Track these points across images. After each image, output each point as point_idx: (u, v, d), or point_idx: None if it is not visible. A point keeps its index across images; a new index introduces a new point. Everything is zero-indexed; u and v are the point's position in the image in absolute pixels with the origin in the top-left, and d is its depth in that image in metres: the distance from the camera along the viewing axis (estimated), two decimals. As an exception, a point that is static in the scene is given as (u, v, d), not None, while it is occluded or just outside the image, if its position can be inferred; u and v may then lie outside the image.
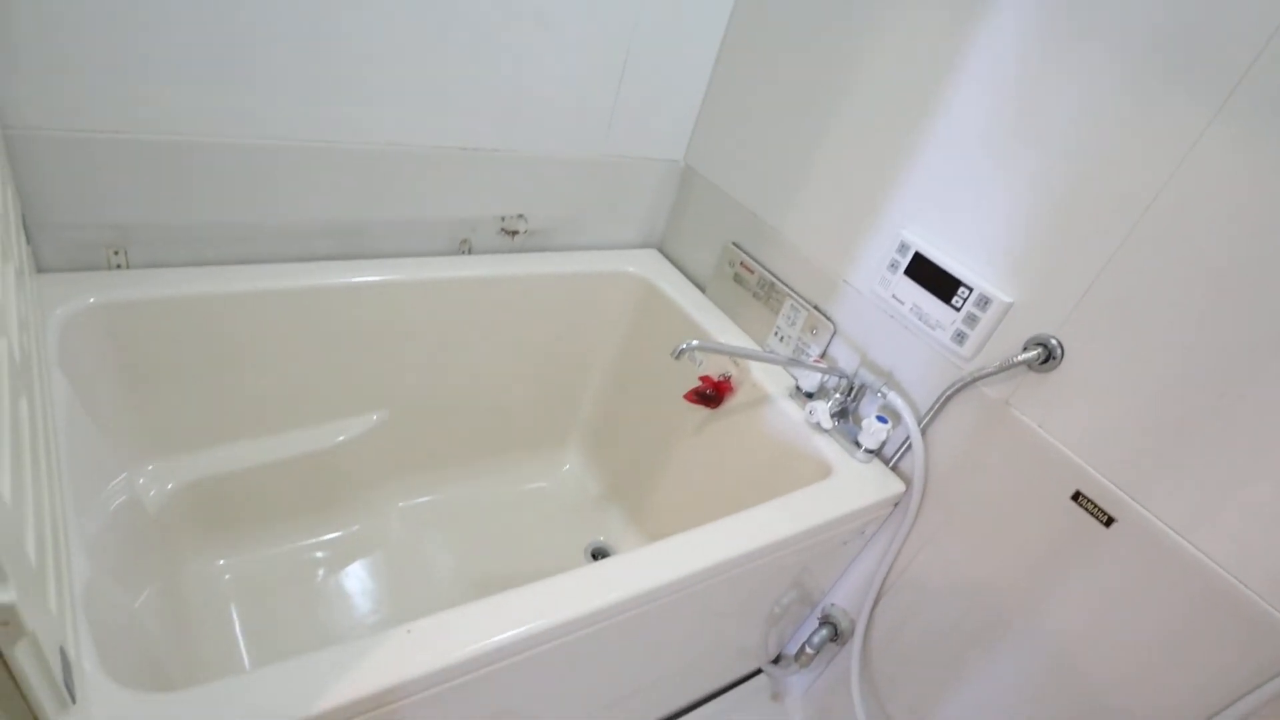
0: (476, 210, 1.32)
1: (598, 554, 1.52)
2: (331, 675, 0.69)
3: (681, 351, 1.08)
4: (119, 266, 1.07)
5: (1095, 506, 1.00)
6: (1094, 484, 0.99)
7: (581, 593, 0.84)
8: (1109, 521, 0.99)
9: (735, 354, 1.19)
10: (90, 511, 0.96)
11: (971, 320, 1.08)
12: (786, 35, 1.29)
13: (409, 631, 0.74)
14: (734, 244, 1.44)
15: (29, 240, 1.00)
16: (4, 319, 0.65)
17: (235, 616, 1.19)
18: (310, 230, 1.17)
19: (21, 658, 0.46)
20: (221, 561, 1.25)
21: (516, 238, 1.40)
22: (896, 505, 1.20)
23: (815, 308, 1.30)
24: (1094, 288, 0.97)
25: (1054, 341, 1.01)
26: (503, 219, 1.36)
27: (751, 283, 1.41)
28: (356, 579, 1.32)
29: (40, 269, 1.03)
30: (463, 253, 1.35)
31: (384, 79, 1.10)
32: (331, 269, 1.19)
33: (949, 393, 1.11)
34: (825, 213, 1.27)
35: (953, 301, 1.10)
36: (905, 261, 1.15)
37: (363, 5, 1.03)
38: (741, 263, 1.42)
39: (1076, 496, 1.02)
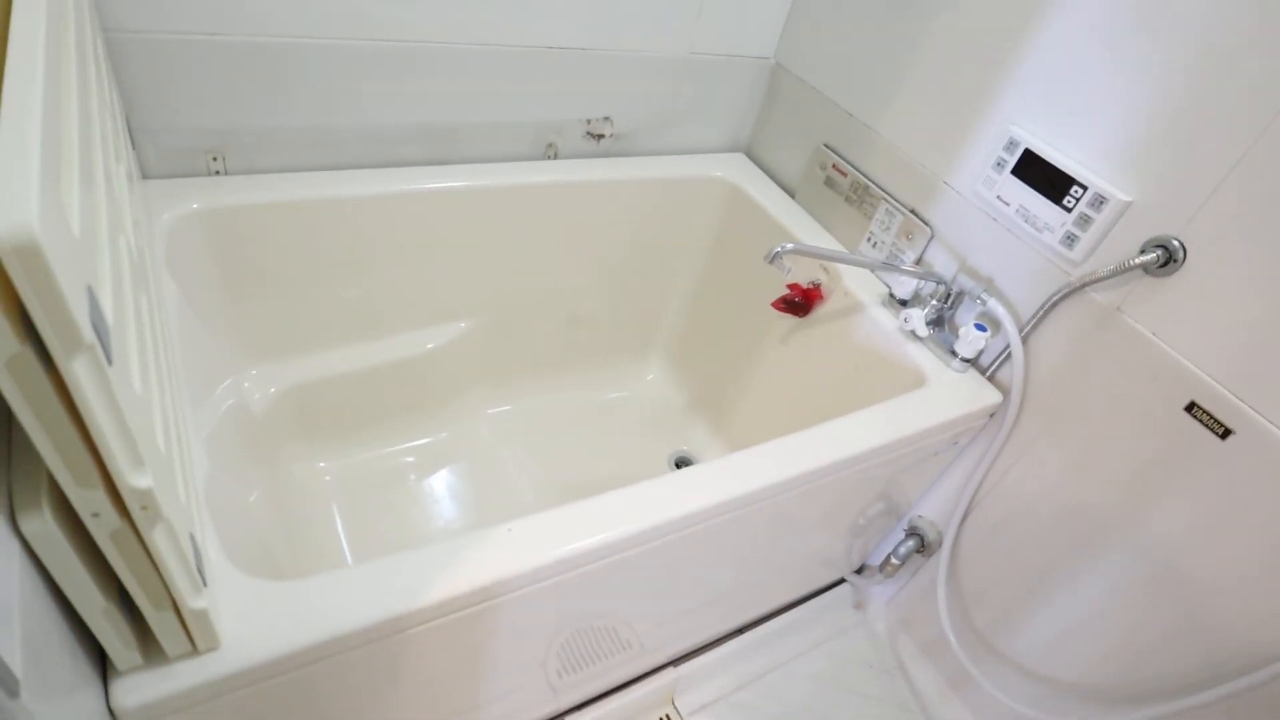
0: (562, 113, 1.30)
1: (681, 463, 1.54)
2: (439, 569, 0.72)
3: (775, 255, 1.06)
4: (218, 173, 1.10)
5: (1211, 418, 0.95)
6: (1211, 394, 0.94)
7: (673, 499, 0.85)
8: (1225, 434, 0.94)
9: (829, 258, 1.16)
10: (204, 411, 1.02)
11: (1084, 222, 1.02)
12: (890, -87, 1.19)
13: (510, 530, 0.77)
14: (825, 146, 1.38)
15: (133, 146, 1.03)
16: (122, 218, 0.68)
17: (336, 515, 1.27)
18: (400, 135, 1.18)
19: (160, 541, 0.49)
20: (322, 464, 1.32)
21: (602, 141, 1.38)
22: (992, 416, 1.17)
23: (912, 211, 1.24)
24: (1223, 186, 0.89)
25: (1175, 243, 0.94)
26: (588, 122, 1.34)
27: (844, 186, 1.35)
28: (446, 484, 1.38)
29: (144, 175, 1.07)
30: (548, 157, 1.34)
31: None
32: (421, 174, 1.20)
33: (1055, 299, 1.06)
34: (926, 110, 1.20)
35: (1064, 202, 1.03)
36: (1013, 160, 1.08)
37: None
38: (834, 165, 1.37)
39: (1191, 408, 0.97)
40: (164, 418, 0.58)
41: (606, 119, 1.35)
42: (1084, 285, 1.02)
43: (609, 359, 1.63)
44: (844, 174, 1.35)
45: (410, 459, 1.39)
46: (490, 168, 1.26)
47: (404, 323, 1.33)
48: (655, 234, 1.48)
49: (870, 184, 1.30)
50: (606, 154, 1.40)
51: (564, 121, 1.31)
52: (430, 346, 1.36)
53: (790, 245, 1.06)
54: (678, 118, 1.44)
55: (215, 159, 1.08)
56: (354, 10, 1.04)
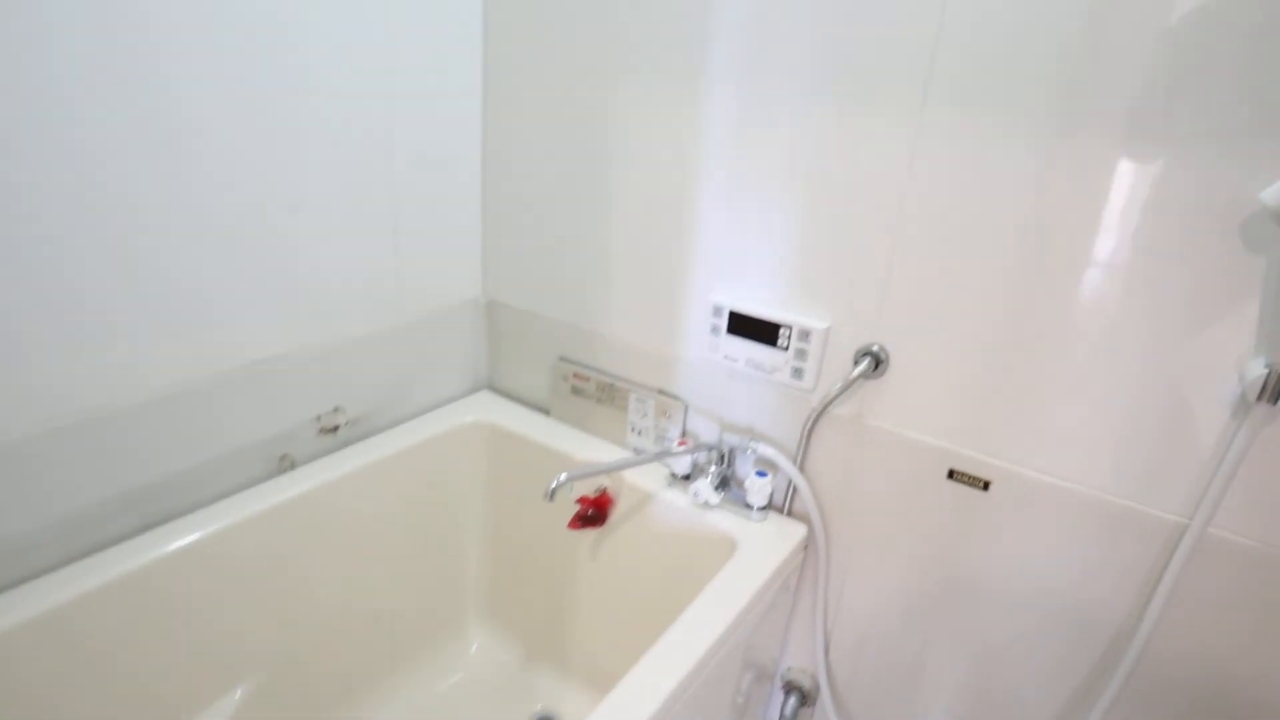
0: (287, 420, 1.22)
1: (542, 720, 1.41)
2: None
3: (555, 490, 1.04)
4: None
5: (969, 476, 1.06)
6: (961, 458, 1.05)
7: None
8: (986, 485, 1.05)
9: (603, 470, 1.17)
10: None
11: (801, 354, 1.13)
12: (542, 146, 1.32)
13: None
14: (561, 359, 1.43)
15: None
16: None
17: None
18: (104, 512, 1.03)
19: None
20: None
21: (339, 432, 1.31)
22: (807, 548, 1.21)
23: (660, 392, 1.31)
24: (889, 290, 1.04)
25: (876, 348, 1.07)
26: (318, 418, 1.27)
27: (591, 390, 1.39)
28: None
29: None
30: (285, 470, 1.24)
31: (142, 313, 1.01)
32: (139, 546, 1.04)
33: (808, 426, 1.14)
34: (635, 302, 1.29)
35: (779, 344, 1.14)
36: (724, 322, 1.18)
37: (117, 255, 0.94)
38: (574, 374, 1.41)
39: (952, 474, 1.07)
40: None
41: (337, 409, 1.30)
42: (825, 407, 1.12)
43: (428, 645, 1.48)
44: (586, 379, 1.40)
45: None
46: (221, 507, 1.13)
47: None
48: (428, 500, 1.41)
49: (614, 380, 1.36)
50: (348, 443, 1.33)
51: (291, 428, 1.24)
52: (208, 734, 1.13)
53: (565, 475, 1.05)
54: (410, 381, 1.42)
55: None
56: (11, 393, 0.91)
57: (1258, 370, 0.81)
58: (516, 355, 1.51)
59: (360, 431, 1.35)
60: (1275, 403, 0.81)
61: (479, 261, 1.49)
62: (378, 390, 1.36)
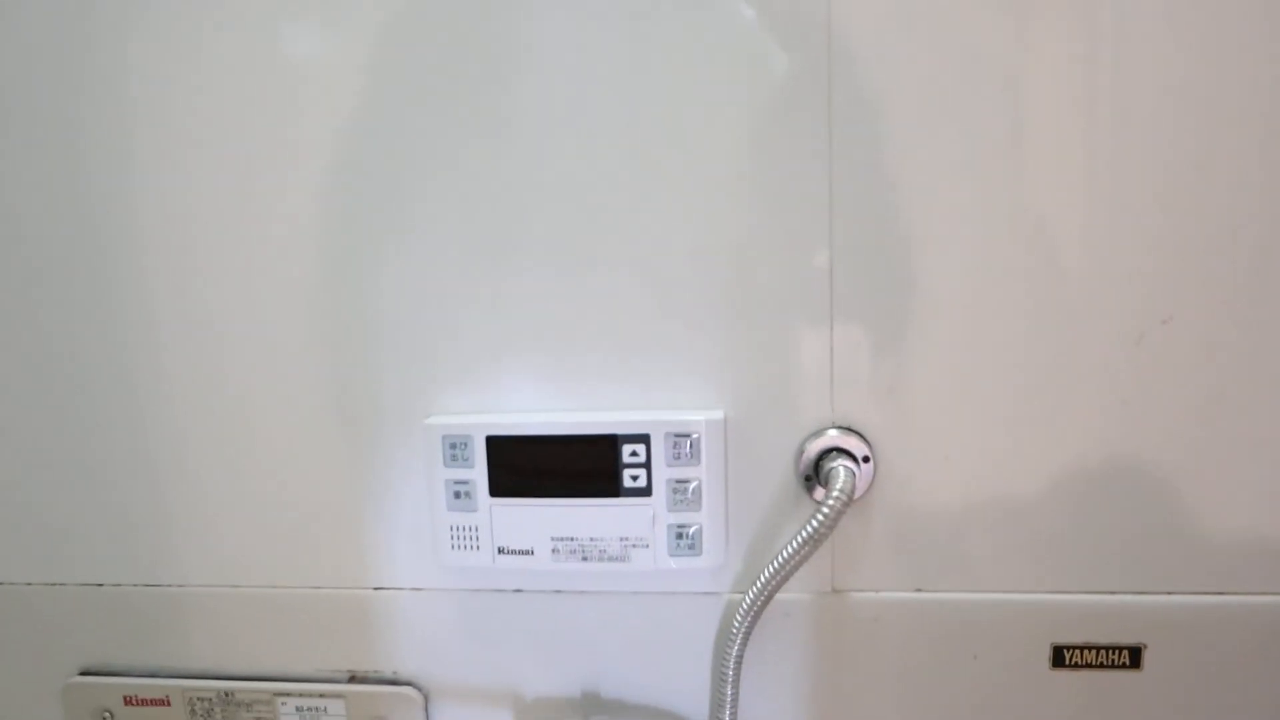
0: None
1: None
2: None
3: None
4: None
5: (1098, 650, 0.50)
6: (1055, 619, 0.50)
7: None
8: (1135, 656, 0.50)
9: None
10: None
11: (681, 493, 0.49)
12: None
13: None
14: (85, 672, 0.60)
15: None
16: None
17: None
18: None
19: None
20: None
21: None
22: None
23: (355, 679, 0.56)
24: (840, 296, 0.48)
25: (835, 433, 0.49)
26: None
27: (180, 717, 0.58)
28: None
29: None
30: None
31: None
32: None
33: (736, 653, 0.49)
34: (236, 490, 0.55)
35: (624, 484, 0.49)
36: (480, 473, 0.50)
37: None
38: (127, 699, 0.59)
39: (1060, 657, 0.51)
40: None
41: None
42: (763, 599, 0.48)
43: None
44: (162, 701, 0.59)
45: None
46: None
47: None
48: None
49: (230, 684, 0.57)
50: None
51: None
52: None
53: None
54: None
55: None
56: None
57: None
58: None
59: None
60: None
61: None
62: None
